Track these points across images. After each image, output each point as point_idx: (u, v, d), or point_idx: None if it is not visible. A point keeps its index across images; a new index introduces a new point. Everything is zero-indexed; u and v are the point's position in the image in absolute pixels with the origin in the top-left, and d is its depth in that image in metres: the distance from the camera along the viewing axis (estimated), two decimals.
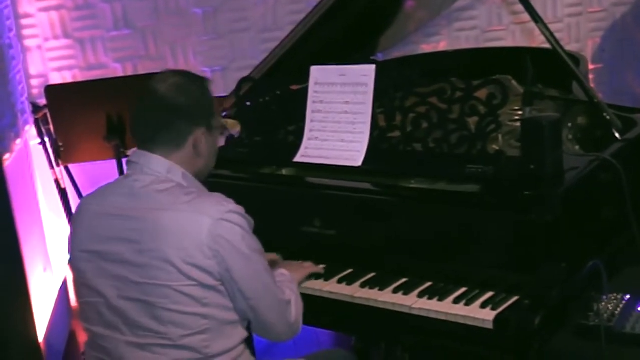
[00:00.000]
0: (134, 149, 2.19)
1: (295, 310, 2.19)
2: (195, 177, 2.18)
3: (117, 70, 4.33)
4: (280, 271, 2.32)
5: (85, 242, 2.13)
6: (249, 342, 2.22)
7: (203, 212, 2.01)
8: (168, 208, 2.03)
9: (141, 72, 4.26)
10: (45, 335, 3.64)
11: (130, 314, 2.05)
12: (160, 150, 2.13)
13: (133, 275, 2.03)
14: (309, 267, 2.50)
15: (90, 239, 2.12)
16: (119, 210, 2.09)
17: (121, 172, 3.75)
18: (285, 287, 2.22)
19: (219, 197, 2.09)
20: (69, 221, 3.93)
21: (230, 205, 2.06)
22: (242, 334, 2.13)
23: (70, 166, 3.95)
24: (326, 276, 2.50)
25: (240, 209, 2.07)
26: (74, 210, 3.90)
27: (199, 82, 2.21)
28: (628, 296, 2.19)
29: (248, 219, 2.09)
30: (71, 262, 2.19)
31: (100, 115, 3.73)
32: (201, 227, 2.00)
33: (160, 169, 2.11)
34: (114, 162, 3.77)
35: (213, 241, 1.99)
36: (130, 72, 4.32)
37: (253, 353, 2.26)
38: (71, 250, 2.18)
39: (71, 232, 2.21)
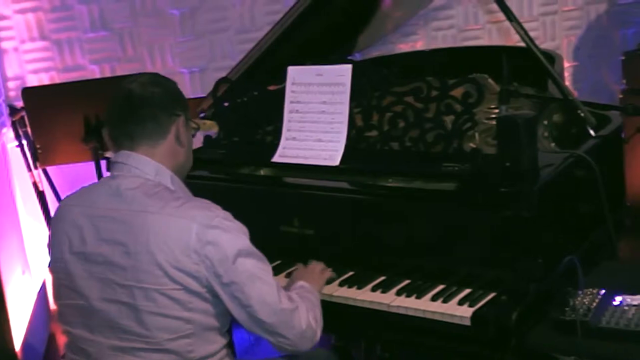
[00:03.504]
0: (119, 151, 2.17)
1: (306, 316, 2.13)
2: (176, 173, 2.18)
3: (94, 71, 4.32)
4: (300, 283, 2.30)
5: (69, 243, 2.11)
6: (229, 343, 2.22)
7: (191, 218, 2.01)
8: (156, 212, 2.02)
9: (119, 73, 4.26)
10: (24, 338, 3.63)
11: (113, 316, 2.04)
12: (144, 145, 2.13)
13: (119, 277, 2.02)
14: (324, 272, 2.46)
15: (74, 241, 2.10)
16: (106, 211, 2.08)
17: (99, 173, 3.75)
18: (298, 296, 2.18)
19: (207, 203, 2.09)
20: (48, 224, 3.92)
21: (219, 211, 2.06)
22: (224, 339, 2.13)
23: (48, 168, 3.95)
24: None
25: (228, 215, 2.07)
26: (52, 212, 3.90)
27: (167, 78, 2.26)
28: (603, 291, 2.20)
29: (238, 224, 2.07)
30: (53, 264, 2.17)
31: (78, 117, 3.72)
32: (189, 233, 1.99)
33: (148, 170, 2.12)
34: (92, 164, 3.77)
35: (201, 247, 1.99)
36: (107, 74, 4.31)
37: (233, 352, 2.26)
38: (53, 251, 2.17)
39: (52, 233, 2.19)
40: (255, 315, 2.05)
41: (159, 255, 1.99)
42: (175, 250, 1.98)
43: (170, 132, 2.16)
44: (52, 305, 4.18)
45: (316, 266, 2.47)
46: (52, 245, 2.18)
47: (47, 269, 3.89)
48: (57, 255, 2.15)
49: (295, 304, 2.13)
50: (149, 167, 2.12)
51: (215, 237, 2.00)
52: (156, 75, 2.26)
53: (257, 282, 2.05)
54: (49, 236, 2.21)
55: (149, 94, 2.14)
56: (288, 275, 2.52)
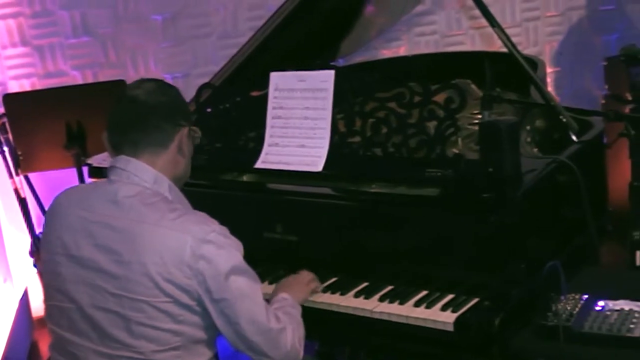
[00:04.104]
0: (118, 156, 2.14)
1: (292, 337, 2.12)
2: (174, 182, 2.16)
3: (76, 77, 4.31)
4: (282, 295, 2.28)
5: (62, 245, 2.09)
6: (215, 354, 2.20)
7: (187, 231, 1.99)
8: (152, 223, 2.01)
9: (101, 79, 4.24)
10: (6, 347, 3.61)
11: (102, 324, 2.02)
12: (146, 153, 2.11)
13: (109, 285, 2.01)
14: (311, 283, 2.43)
15: (67, 243, 2.08)
16: (102, 217, 2.06)
17: (82, 180, 3.73)
18: (283, 312, 2.17)
19: (203, 216, 2.07)
20: (30, 230, 3.90)
21: (215, 225, 2.04)
22: (211, 352, 2.12)
23: (30, 175, 3.93)
24: None
25: (224, 229, 2.05)
26: (34, 220, 3.92)
27: (172, 85, 2.24)
28: (586, 296, 2.21)
29: (233, 240, 2.06)
30: (43, 264, 2.16)
31: (60, 124, 3.71)
32: (184, 246, 1.97)
33: (147, 178, 2.10)
34: (74, 170, 3.75)
35: (194, 261, 1.97)
36: (90, 80, 4.30)
37: None
38: (46, 251, 2.15)
39: (45, 231, 2.17)
40: (242, 333, 2.04)
41: (151, 267, 1.97)
42: (168, 263, 1.97)
43: (173, 142, 2.15)
44: (35, 314, 4.16)
45: (305, 276, 2.44)
46: (44, 244, 2.17)
47: (31, 273, 3.88)
48: (49, 255, 2.13)
49: (282, 324, 2.12)
50: (147, 175, 2.10)
51: (209, 253, 1.99)
52: (161, 82, 2.24)
53: (247, 300, 2.04)
54: (44, 231, 2.18)
55: (155, 102, 2.13)
56: (271, 282, 2.51)
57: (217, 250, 2.00)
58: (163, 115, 2.13)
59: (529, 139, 2.74)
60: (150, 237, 1.99)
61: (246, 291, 2.04)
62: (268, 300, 2.26)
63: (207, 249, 1.99)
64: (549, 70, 4.69)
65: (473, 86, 3.12)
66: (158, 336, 2.00)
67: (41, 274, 3.73)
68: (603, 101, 4.61)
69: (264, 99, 2.76)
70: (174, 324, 2.00)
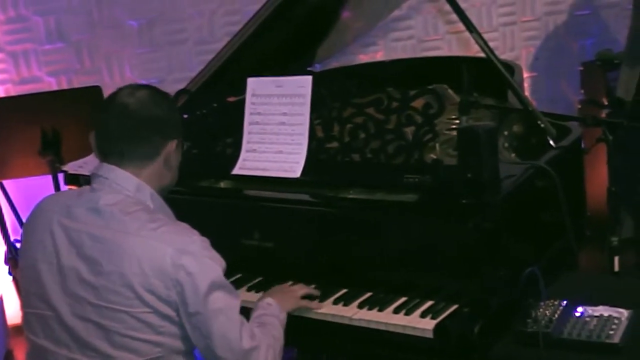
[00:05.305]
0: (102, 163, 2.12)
1: (264, 356, 2.06)
2: (159, 192, 2.14)
3: (51, 84, 4.28)
4: (267, 301, 2.25)
5: (43, 252, 2.06)
6: None
7: (167, 242, 1.97)
8: (133, 233, 1.98)
9: (76, 85, 4.21)
10: None
11: (82, 333, 2.00)
12: (132, 164, 2.08)
13: (89, 295, 1.99)
14: (301, 290, 2.39)
15: (48, 250, 2.05)
16: (83, 226, 2.03)
17: (57, 187, 3.70)
18: (261, 325, 2.14)
19: (184, 227, 2.05)
20: (4, 238, 3.86)
21: (195, 237, 2.02)
22: None
23: (4, 182, 3.89)
24: (265, 289, 2.48)
25: (205, 241, 2.03)
26: (9, 227, 3.88)
27: (166, 95, 2.20)
28: (565, 302, 2.21)
29: (213, 253, 2.03)
30: (23, 270, 2.13)
31: (35, 130, 3.68)
32: (164, 257, 1.95)
33: (129, 186, 2.07)
34: (49, 177, 3.72)
35: (175, 271, 1.95)
36: (64, 86, 4.27)
37: None
38: (26, 256, 2.12)
39: (26, 236, 2.14)
40: (212, 348, 2.02)
41: (131, 278, 1.95)
42: (148, 274, 1.95)
43: (160, 155, 2.12)
44: (10, 322, 4.12)
45: (299, 288, 2.40)
46: (24, 250, 2.14)
47: (6, 281, 3.83)
48: (29, 262, 2.10)
49: (256, 342, 2.07)
50: (129, 183, 2.08)
51: (189, 265, 1.96)
52: (154, 91, 2.17)
53: (221, 317, 2.01)
54: (24, 236, 2.16)
55: (148, 115, 2.09)
56: (249, 290, 2.50)
57: (197, 263, 1.98)
58: (154, 129, 2.10)
59: (506, 145, 2.74)
60: (130, 247, 1.97)
61: (222, 307, 2.01)
62: (251, 308, 2.25)
63: (186, 260, 1.96)
64: (525, 75, 4.71)
65: (450, 91, 3.11)
66: (138, 347, 1.98)
67: (16, 282, 3.71)
68: (579, 106, 4.64)
69: (241, 105, 2.75)
70: (154, 335, 1.98)
